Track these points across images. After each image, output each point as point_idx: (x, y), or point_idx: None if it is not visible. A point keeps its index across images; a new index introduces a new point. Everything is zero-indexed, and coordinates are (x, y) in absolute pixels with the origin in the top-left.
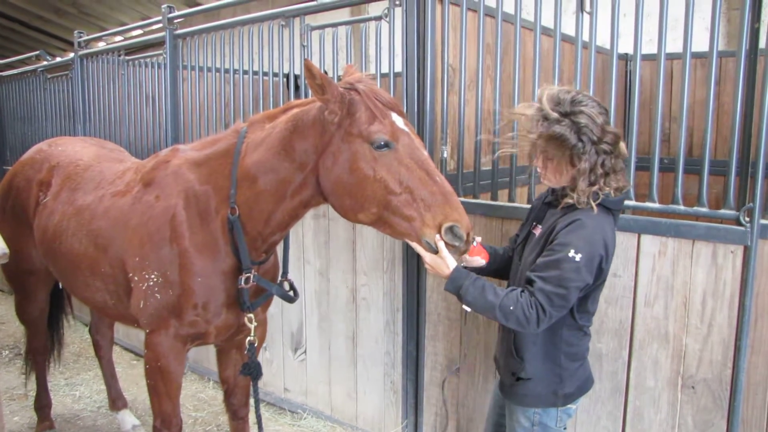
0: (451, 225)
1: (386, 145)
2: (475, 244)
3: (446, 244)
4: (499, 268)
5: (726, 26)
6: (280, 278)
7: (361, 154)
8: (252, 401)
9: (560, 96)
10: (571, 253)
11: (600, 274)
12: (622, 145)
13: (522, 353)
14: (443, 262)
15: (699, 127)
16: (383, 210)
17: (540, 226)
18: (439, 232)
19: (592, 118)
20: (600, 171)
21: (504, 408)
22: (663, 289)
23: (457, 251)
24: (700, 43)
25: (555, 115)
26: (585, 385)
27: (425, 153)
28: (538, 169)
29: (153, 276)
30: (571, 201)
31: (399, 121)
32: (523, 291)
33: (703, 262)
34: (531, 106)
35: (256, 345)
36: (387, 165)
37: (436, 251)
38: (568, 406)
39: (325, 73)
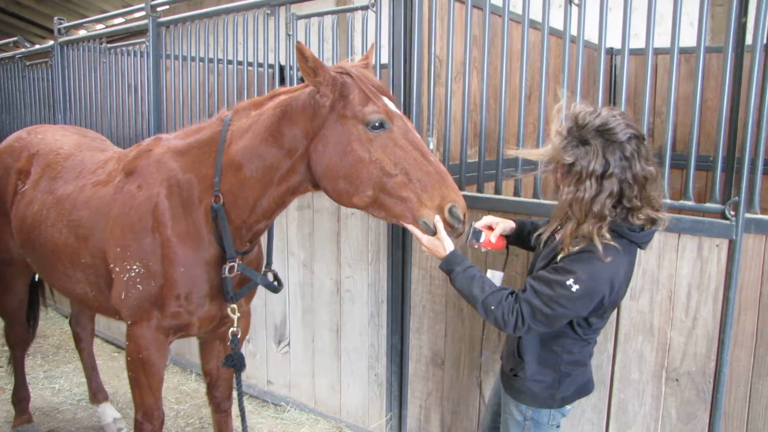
0: (450, 206)
1: (381, 125)
2: (493, 239)
3: (446, 224)
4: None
5: (710, 22)
6: (264, 268)
7: (356, 135)
8: (235, 394)
9: (580, 120)
10: (570, 282)
11: (600, 307)
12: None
13: (522, 354)
14: (440, 244)
15: (682, 122)
16: (379, 192)
17: (562, 232)
18: (438, 212)
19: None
20: (600, 210)
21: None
22: (648, 282)
23: (455, 232)
24: (684, 38)
25: (566, 158)
26: (584, 388)
27: (418, 135)
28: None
29: (135, 267)
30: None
31: (390, 104)
32: (511, 293)
33: (688, 255)
34: (544, 151)
35: (239, 336)
36: (382, 146)
37: (433, 232)
38: (564, 406)
39: None
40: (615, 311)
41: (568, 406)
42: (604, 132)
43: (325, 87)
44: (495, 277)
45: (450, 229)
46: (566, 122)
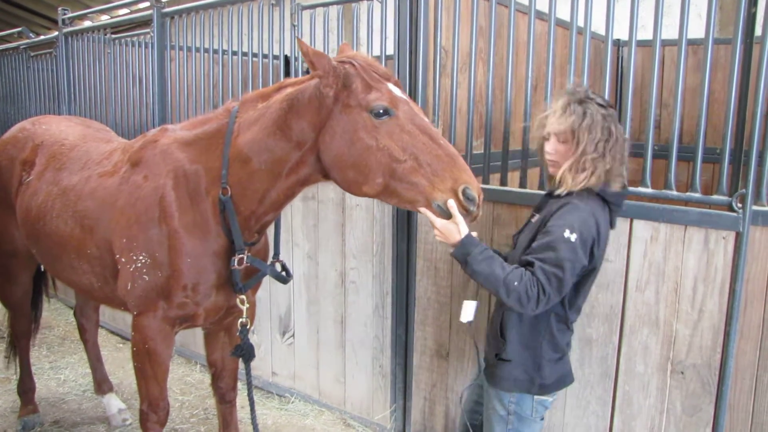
0: (463, 187)
1: (386, 112)
2: None
3: (465, 209)
4: None
5: (718, 13)
6: (271, 259)
7: (362, 124)
8: (241, 385)
9: (570, 90)
10: (567, 233)
11: (592, 259)
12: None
13: (506, 334)
14: (455, 228)
15: (689, 114)
16: (389, 179)
17: (537, 215)
18: (452, 195)
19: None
20: (614, 154)
21: (481, 396)
22: (654, 274)
23: (470, 215)
24: (692, 29)
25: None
26: (564, 379)
27: (426, 119)
28: (549, 157)
29: (141, 257)
30: (566, 187)
31: (396, 89)
32: (527, 270)
33: (695, 247)
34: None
35: (248, 327)
36: (389, 133)
37: (448, 216)
38: (545, 397)
39: None
40: (621, 305)
41: (549, 398)
42: (590, 97)
43: (327, 78)
44: (470, 306)
45: (465, 211)
46: (558, 101)
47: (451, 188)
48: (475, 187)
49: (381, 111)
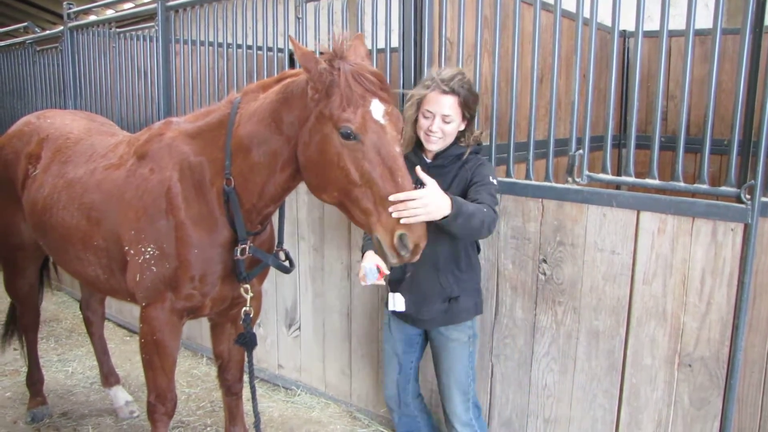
0: (401, 233)
1: (352, 136)
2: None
3: (396, 253)
4: None
5: (726, 3)
6: (275, 248)
7: (330, 138)
8: (246, 375)
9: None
10: (491, 180)
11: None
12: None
13: (449, 279)
14: (439, 195)
15: (696, 105)
16: (343, 197)
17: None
18: (390, 235)
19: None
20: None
21: (412, 345)
22: (662, 266)
23: (400, 259)
24: (699, 20)
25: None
26: None
27: (396, 149)
28: (435, 135)
29: (149, 249)
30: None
31: (377, 109)
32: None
33: (702, 239)
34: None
35: (251, 316)
36: (351, 155)
37: (381, 252)
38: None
39: (317, 50)
40: (628, 297)
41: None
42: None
43: (313, 81)
44: (400, 298)
45: (395, 254)
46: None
47: (391, 229)
48: (414, 236)
49: (347, 132)
